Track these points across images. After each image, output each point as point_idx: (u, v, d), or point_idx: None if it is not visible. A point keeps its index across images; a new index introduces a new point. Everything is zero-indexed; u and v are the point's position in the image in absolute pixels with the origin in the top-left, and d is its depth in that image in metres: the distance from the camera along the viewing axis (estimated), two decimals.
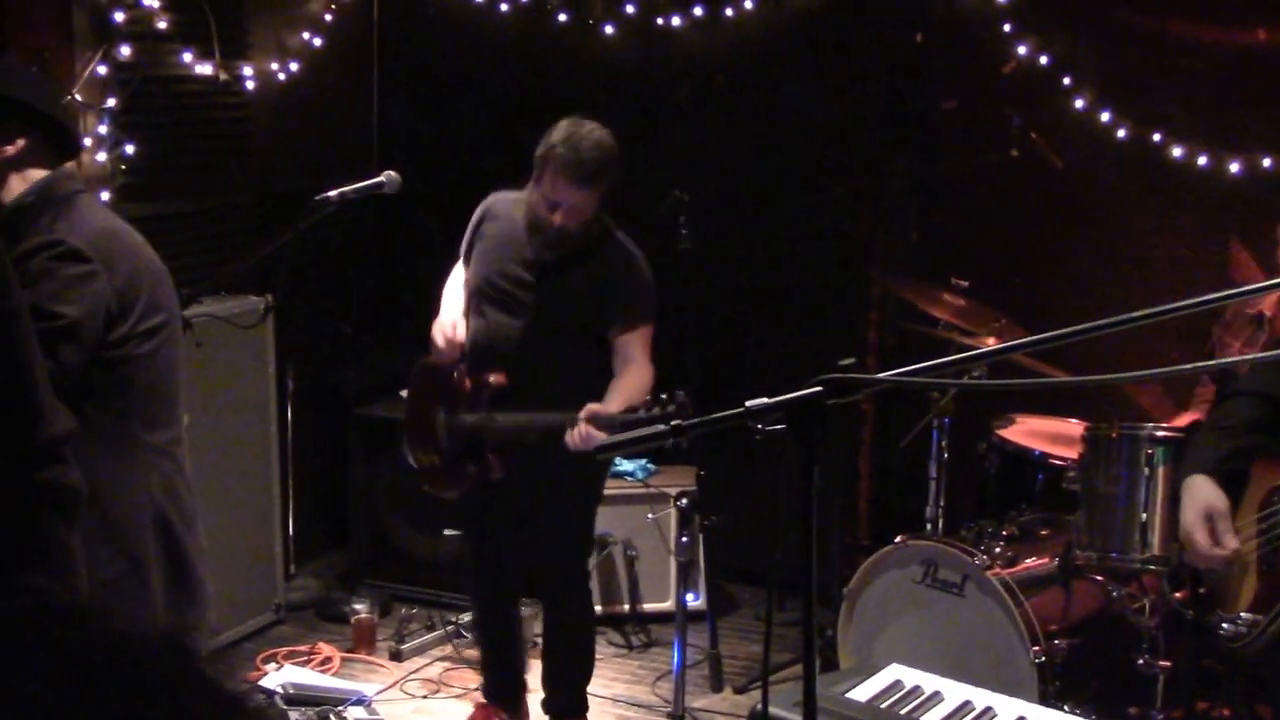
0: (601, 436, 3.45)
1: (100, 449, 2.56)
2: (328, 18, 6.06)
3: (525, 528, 4.04)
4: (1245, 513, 2.67)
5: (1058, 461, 4.34)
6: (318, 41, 6.00)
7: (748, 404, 1.75)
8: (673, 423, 1.89)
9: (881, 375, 1.84)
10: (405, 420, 4.19)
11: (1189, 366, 3.70)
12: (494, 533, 4.13)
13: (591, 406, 3.56)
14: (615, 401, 3.63)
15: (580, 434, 3.52)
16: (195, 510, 2.80)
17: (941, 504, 4.53)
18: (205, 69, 5.41)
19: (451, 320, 3.92)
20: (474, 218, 4.06)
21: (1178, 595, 3.63)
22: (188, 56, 5.35)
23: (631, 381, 3.75)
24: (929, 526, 4.50)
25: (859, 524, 5.42)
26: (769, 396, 1.76)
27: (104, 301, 2.52)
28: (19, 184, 2.61)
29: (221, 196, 5.53)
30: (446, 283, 4.15)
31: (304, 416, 5.66)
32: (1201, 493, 2.70)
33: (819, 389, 1.72)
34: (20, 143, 2.63)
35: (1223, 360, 4.17)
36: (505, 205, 3.99)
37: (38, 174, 2.63)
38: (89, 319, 2.49)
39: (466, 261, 4.06)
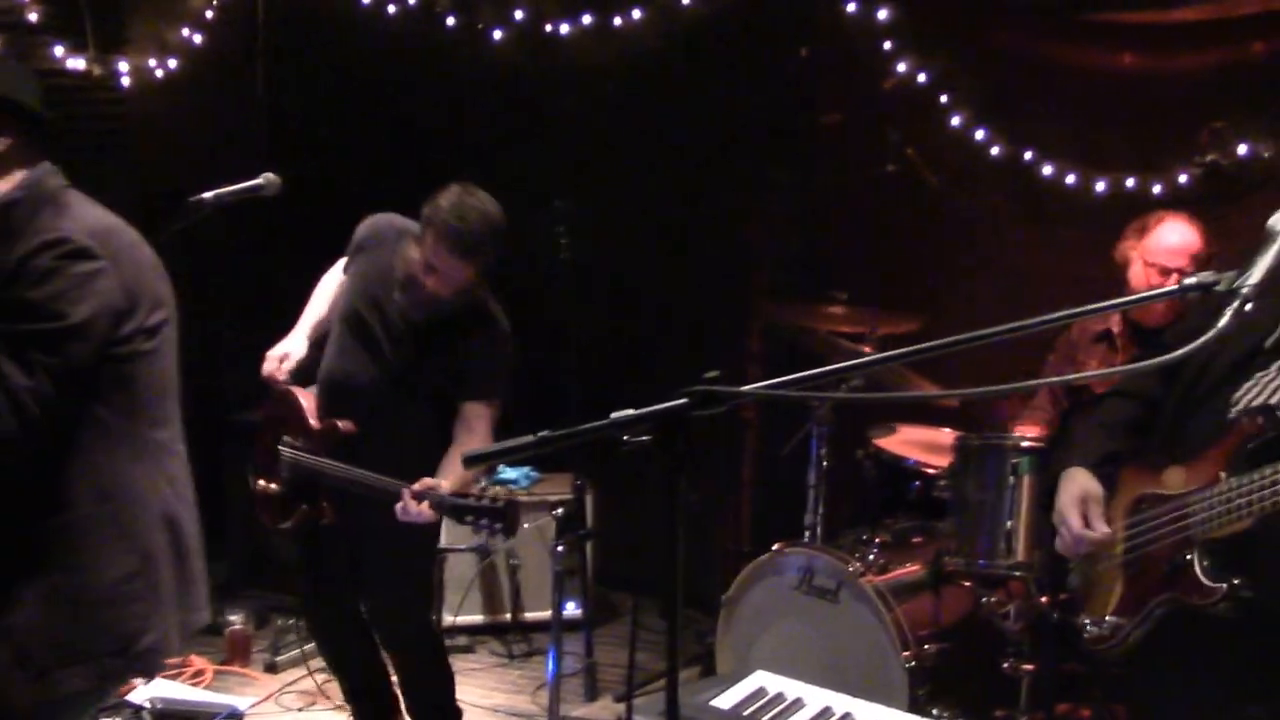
0: (429, 515, 3.48)
1: (110, 448, 2.55)
2: (209, 15, 5.98)
3: (358, 574, 3.96)
4: (1113, 519, 2.79)
5: (930, 470, 4.48)
6: (199, 39, 5.93)
7: (613, 416, 1.78)
8: (540, 434, 1.91)
9: (746, 389, 1.82)
10: (255, 439, 4.11)
11: (1057, 379, 3.84)
12: (328, 577, 4.02)
13: (426, 481, 3.53)
14: (448, 480, 3.59)
15: (410, 510, 3.50)
16: (195, 506, 2.82)
17: (820, 512, 4.64)
18: (78, 63, 5.33)
19: (284, 353, 3.89)
20: (359, 234, 3.97)
21: (1044, 599, 3.80)
22: (60, 50, 5.27)
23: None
24: (807, 534, 4.62)
25: (741, 531, 5.53)
26: (649, 407, 1.78)
27: (113, 299, 2.50)
28: (3, 183, 2.57)
29: (93, 196, 5.48)
30: (321, 280, 4.13)
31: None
32: (1078, 480, 2.82)
33: (684, 401, 1.75)
34: (5, 141, 2.58)
35: (1090, 374, 4.34)
36: (391, 234, 3.90)
37: (20, 172, 2.58)
38: (100, 317, 2.47)
39: (346, 272, 4.03)
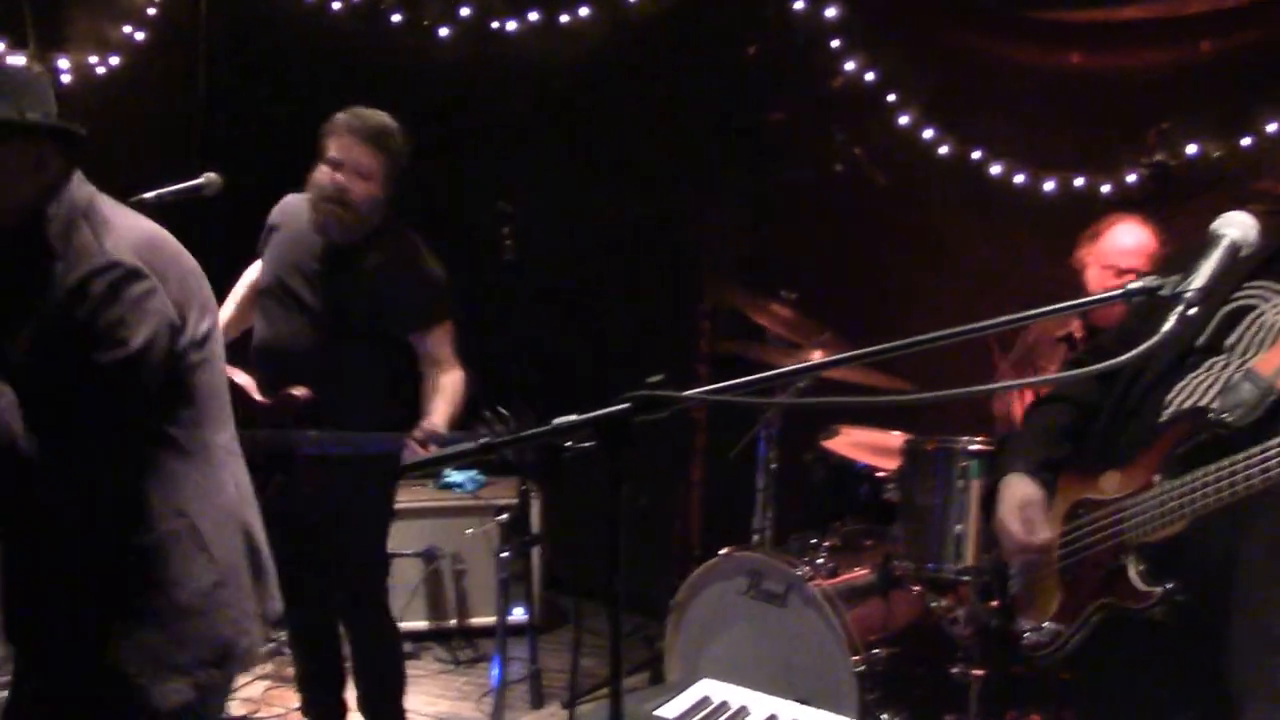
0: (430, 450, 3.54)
1: (182, 462, 2.53)
2: (151, 11, 5.92)
3: (315, 546, 3.95)
4: (1051, 525, 2.77)
5: (880, 473, 4.46)
6: (141, 35, 5.86)
7: (555, 421, 1.75)
8: (482, 440, 1.89)
9: (689, 393, 1.78)
10: None
11: (1007, 384, 3.82)
12: (288, 548, 4.04)
13: (424, 426, 3.59)
14: (439, 414, 3.66)
15: (419, 456, 3.55)
16: (255, 501, 2.81)
17: (769, 515, 4.61)
18: (18, 60, 5.23)
19: None
20: (270, 218, 4.08)
21: (992, 604, 3.78)
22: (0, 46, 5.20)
23: (446, 387, 3.81)
24: (756, 538, 4.58)
25: (691, 533, 5.49)
26: (592, 412, 1.75)
27: (168, 317, 2.45)
28: (36, 201, 2.47)
29: None
30: (240, 280, 4.14)
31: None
32: (1018, 487, 2.78)
33: (626, 406, 1.73)
34: (51, 166, 2.49)
35: (1051, 377, 4.33)
36: (297, 204, 4.02)
37: (59, 190, 2.49)
38: (158, 338, 2.43)
39: (261, 254, 4.09)
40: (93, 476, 2.40)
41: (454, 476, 5.42)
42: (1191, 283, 2.01)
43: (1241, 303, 2.53)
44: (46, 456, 2.33)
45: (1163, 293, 1.94)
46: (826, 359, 1.84)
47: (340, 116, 3.89)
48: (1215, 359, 2.53)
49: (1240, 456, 2.32)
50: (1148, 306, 2.00)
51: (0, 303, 2.43)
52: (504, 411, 3.55)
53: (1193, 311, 1.99)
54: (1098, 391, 2.78)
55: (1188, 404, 2.53)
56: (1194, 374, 2.54)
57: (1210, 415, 2.45)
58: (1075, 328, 4.41)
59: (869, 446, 4.66)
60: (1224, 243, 2.16)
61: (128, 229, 2.48)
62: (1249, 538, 2.38)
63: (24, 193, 2.44)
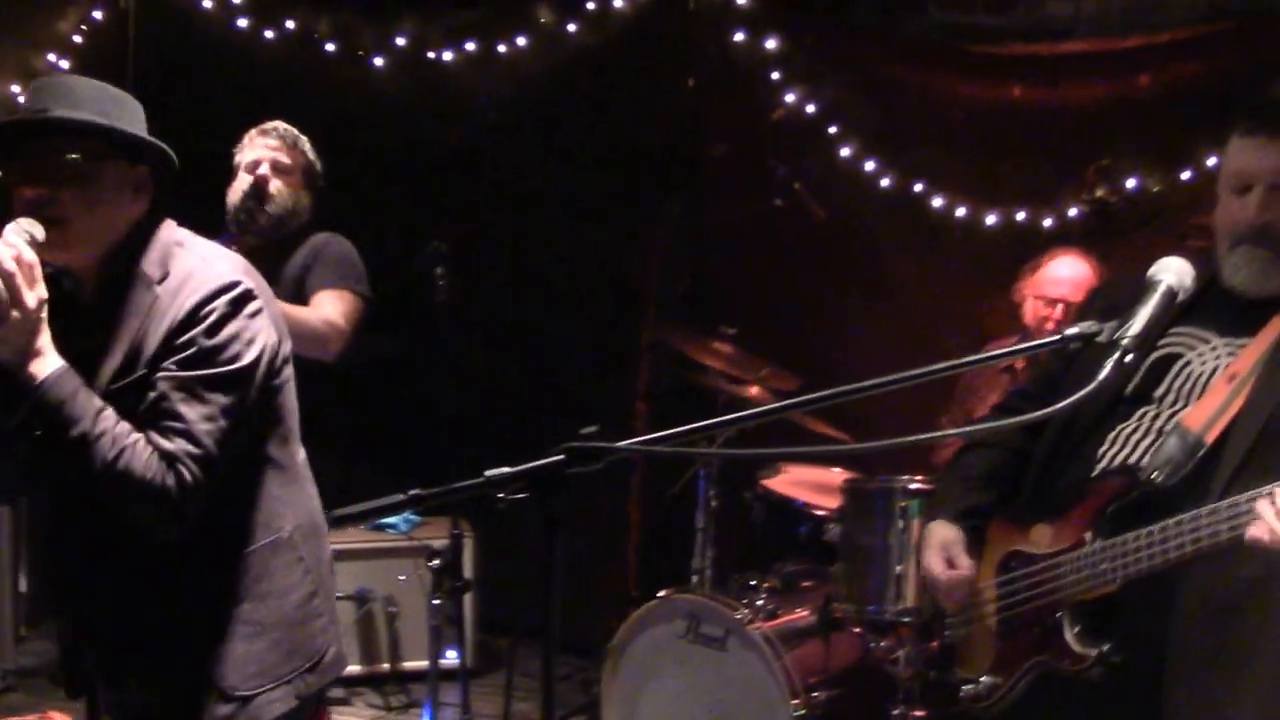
0: None
1: (274, 477, 2.60)
2: (77, 39, 5.84)
3: None
4: (983, 575, 2.72)
5: (820, 512, 4.41)
6: (65, 64, 5.76)
7: (487, 473, 1.75)
8: (411, 492, 1.85)
9: (623, 444, 1.78)
10: None
11: (958, 431, 3.78)
12: None
13: None
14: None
15: None
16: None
17: (709, 555, 4.54)
18: None
19: None
20: None
21: (933, 644, 3.71)
22: None
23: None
24: (695, 579, 4.51)
25: (629, 574, 5.41)
26: (524, 465, 1.76)
27: (272, 335, 2.55)
28: (130, 223, 2.51)
29: None
30: None
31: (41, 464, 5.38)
32: (938, 531, 2.76)
33: (560, 458, 1.74)
34: (143, 182, 2.52)
35: (980, 427, 4.31)
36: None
37: (144, 215, 2.53)
38: (265, 355, 2.52)
39: None
40: (202, 490, 2.42)
41: (387, 517, 5.31)
42: (1128, 329, 2.00)
43: (1168, 350, 2.51)
44: (161, 475, 2.37)
45: (1099, 339, 1.94)
46: (760, 409, 1.82)
47: (249, 131, 4.20)
48: (1145, 408, 2.51)
49: (1172, 523, 2.28)
50: (1074, 353, 2.01)
51: (96, 330, 2.47)
52: None
53: (1129, 358, 1.98)
54: (1023, 436, 2.76)
55: (1119, 458, 2.50)
56: (1124, 424, 2.52)
57: (1140, 474, 2.43)
58: (1017, 360, 4.40)
59: (810, 484, 4.62)
60: (1161, 289, 2.15)
61: (225, 254, 2.57)
62: (1185, 602, 2.35)
63: (126, 213, 2.49)
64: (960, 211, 5.02)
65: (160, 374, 2.41)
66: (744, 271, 5.47)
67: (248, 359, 2.45)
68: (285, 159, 4.13)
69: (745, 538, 4.69)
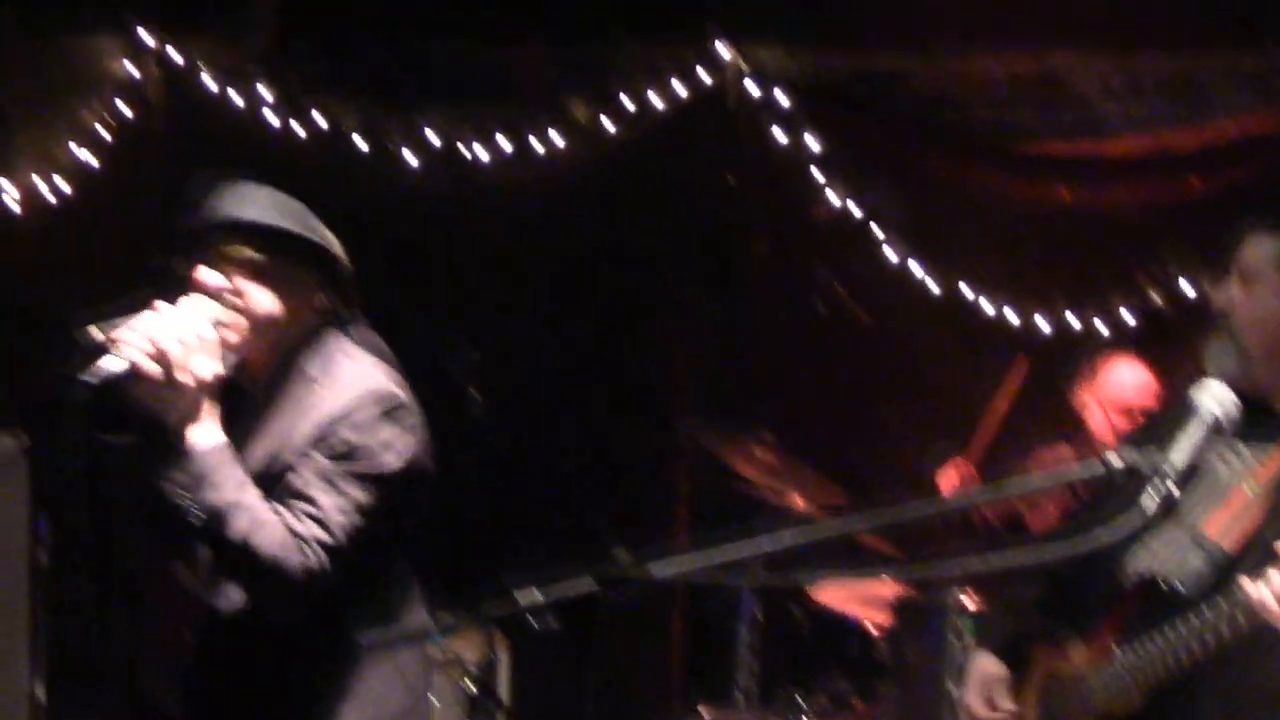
0: None
1: (388, 587, 2.78)
2: (103, 132, 6.05)
3: None
4: (1027, 699, 2.83)
5: (870, 626, 4.56)
6: (93, 159, 5.99)
7: (519, 599, 1.84)
8: (445, 624, 1.96)
9: (657, 571, 1.89)
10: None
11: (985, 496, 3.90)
12: None
13: None
14: None
15: None
16: None
17: (754, 668, 4.66)
18: None
19: None
20: None
21: None
22: None
23: None
24: (739, 695, 4.61)
25: (670, 689, 5.50)
26: (556, 590, 1.84)
27: (422, 449, 2.76)
28: (301, 325, 2.79)
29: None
30: None
31: (63, 577, 5.40)
32: (981, 665, 2.88)
33: (593, 583, 1.82)
34: (315, 285, 2.80)
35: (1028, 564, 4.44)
36: None
37: (320, 314, 2.81)
38: (411, 467, 2.71)
39: None
40: (326, 578, 2.61)
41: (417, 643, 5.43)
42: (1172, 460, 2.11)
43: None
44: (288, 556, 2.56)
45: (1143, 468, 2.04)
46: (806, 530, 1.89)
47: None
48: (1170, 519, 2.56)
49: (1182, 627, 2.40)
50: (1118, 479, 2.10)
51: (254, 419, 2.75)
52: None
53: (1174, 488, 2.09)
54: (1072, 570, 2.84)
55: (1142, 567, 2.60)
56: (1150, 535, 2.59)
57: (1163, 585, 2.52)
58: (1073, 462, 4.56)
59: (859, 596, 4.74)
60: (1205, 420, 2.27)
61: (385, 365, 2.82)
62: (1208, 712, 2.46)
63: (299, 314, 2.77)
64: (1009, 315, 5.19)
65: (304, 460, 2.65)
66: (784, 374, 5.63)
67: (393, 465, 2.68)
68: None
69: (792, 651, 4.80)
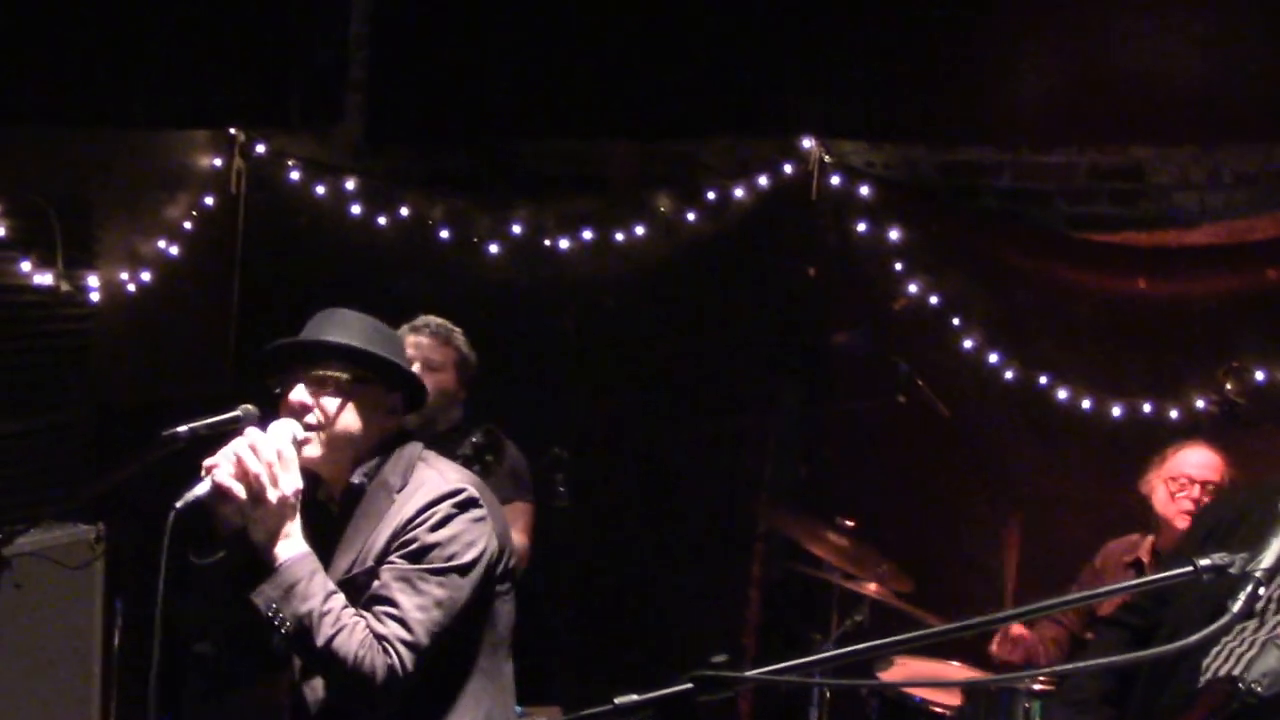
0: None
1: (480, 683, 3.27)
2: (187, 225, 6.65)
3: None
4: None
5: (939, 709, 5.01)
6: (174, 250, 6.56)
7: (616, 701, 2.04)
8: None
9: (751, 674, 2.12)
10: None
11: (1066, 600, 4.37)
12: None
13: None
14: None
15: None
16: None
17: None
18: (45, 278, 5.93)
19: None
20: None
21: None
22: (26, 265, 5.86)
23: None
24: None
25: None
26: (652, 693, 2.07)
27: (493, 545, 3.24)
28: (380, 440, 3.32)
29: (55, 414, 5.98)
30: None
31: (134, 654, 5.78)
32: None
33: (689, 686, 2.03)
34: (395, 406, 3.35)
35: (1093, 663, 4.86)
36: None
37: (397, 430, 3.37)
38: (483, 560, 3.20)
39: None
40: (409, 676, 3.04)
41: None
42: (1260, 562, 2.27)
43: None
44: (371, 658, 3.01)
45: (1232, 570, 2.19)
46: (890, 641, 2.26)
47: (404, 325, 4.78)
48: (1248, 622, 2.92)
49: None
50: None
51: (338, 530, 3.24)
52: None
53: (1262, 592, 2.25)
54: (1131, 646, 3.28)
55: (1222, 668, 2.92)
56: (1228, 638, 2.94)
57: (1240, 685, 2.84)
58: (1143, 552, 5.11)
59: (927, 678, 5.25)
60: None
61: (460, 470, 3.33)
62: None
63: (378, 430, 3.29)
64: (1085, 403, 5.70)
65: (385, 565, 3.14)
66: (861, 462, 6.14)
67: (466, 558, 3.16)
68: (436, 356, 4.77)
69: None
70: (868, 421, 6.14)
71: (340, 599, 3.06)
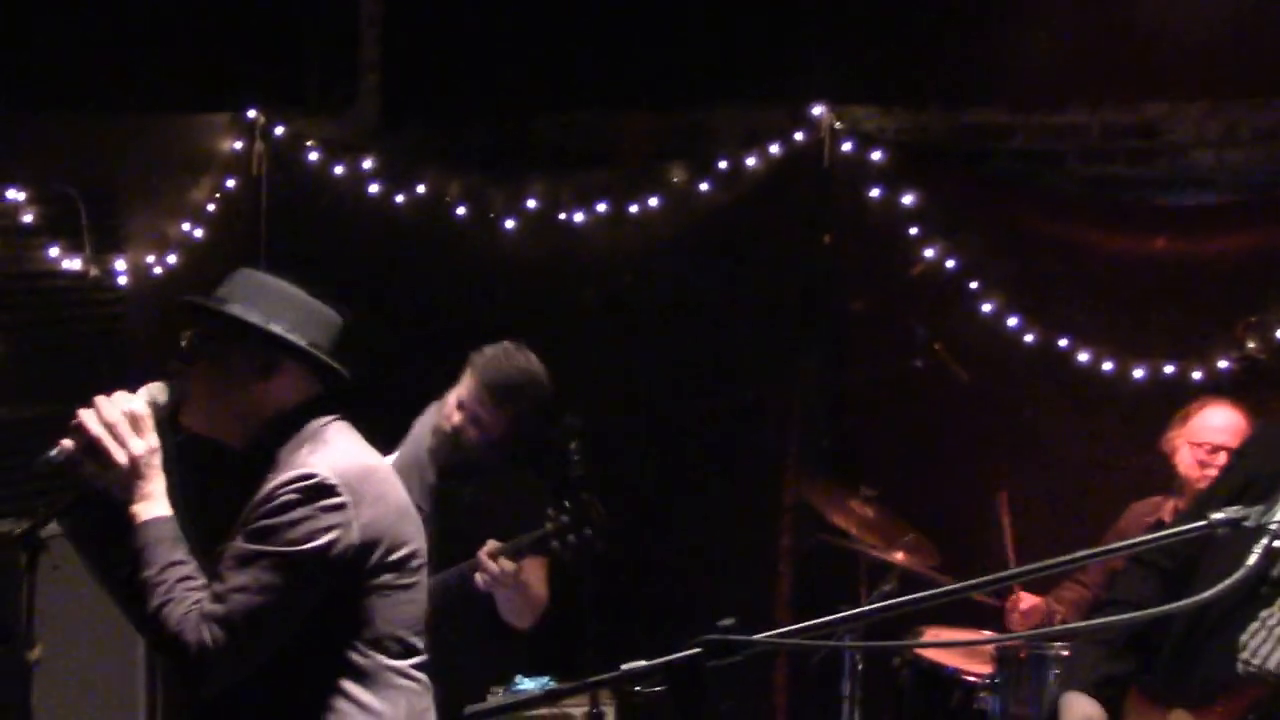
0: (510, 567, 4.02)
1: (351, 680, 3.00)
2: (210, 208, 6.42)
3: None
4: None
5: (971, 678, 4.78)
6: (199, 233, 6.35)
7: (624, 667, 1.94)
8: (547, 688, 2.20)
9: (762, 636, 1.96)
10: None
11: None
12: None
13: (491, 545, 4.07)
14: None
15: (492, 570, 4.02)
16: None
17: None
18: (74, 264, 5.74)
19: None
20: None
21: None
22: (55, 251, 5.67)
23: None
24: None
25: None
26: (661, 658, 1.96)
27: (350, 537, 2.93)
28: (274, 411, 3.06)
29: (87, 398, 5.89)
30: None
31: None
32: (1077, 705, 3.03)
33: (697, 650, 1.89)
34: (276, 373, 3.05)
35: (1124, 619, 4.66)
36: (421, 426, 4.47)
37: (290, 406, 3.08)
38: (332, 551, 2.91)
39: None
40: (224, 655, 2.82)
41: (525, 683, 5.76)
42: (1275, 514, 2.23)
43: None
44: (186, 632, 2.81)
45: (1247, 523, 2.03)
46: (907, 598, 2.06)
47: (488, 353, 4.37)
48: None
49: None
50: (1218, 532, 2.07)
51: (221, 504, 3.03)
52: (567, 508, 4.03)
53: (1278, 544, 2.14)
54: (1159, 598, 3.03)
55: (1261, 650, 2.74)
56: (1268, 613, 2.75)
57: None
58: (1166, 513, 4.85)
59: (959, 648, 5.02)
60: None
61: (342, 453, 3.01)
62: None
63: (247, 396, 3.02)
64: (1106, 366, 5.42)
65: (234, 541, 2.91)
66: (885, 431, 5.90)
67: (304, 547, 2.87)
68: (489, 418, 4.29)
69: (894, 705, 5.02)
70: (888, 388, 5.90)
71: (181, 570, 2.88)
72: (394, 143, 6.69)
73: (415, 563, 3.10)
